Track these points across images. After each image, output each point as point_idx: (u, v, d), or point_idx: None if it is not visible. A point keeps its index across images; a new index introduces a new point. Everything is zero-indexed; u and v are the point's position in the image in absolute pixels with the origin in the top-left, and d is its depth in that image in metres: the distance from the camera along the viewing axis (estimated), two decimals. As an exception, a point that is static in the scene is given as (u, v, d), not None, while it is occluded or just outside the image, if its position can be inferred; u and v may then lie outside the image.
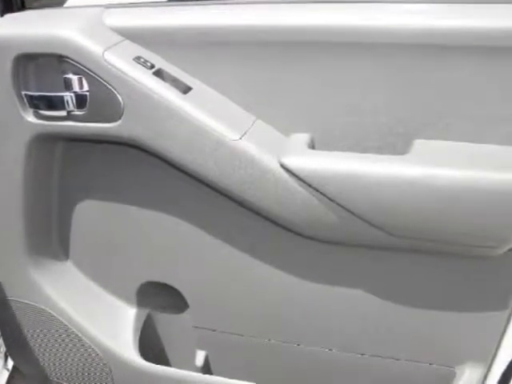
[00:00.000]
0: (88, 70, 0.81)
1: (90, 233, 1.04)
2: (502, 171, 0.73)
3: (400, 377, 0.99)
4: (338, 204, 0.79)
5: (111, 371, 1.09)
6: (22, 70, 0.85)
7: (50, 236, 1.05)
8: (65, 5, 1.04)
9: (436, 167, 0.75)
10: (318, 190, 0.79)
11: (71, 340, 1.09)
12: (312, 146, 0.86)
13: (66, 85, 0.83)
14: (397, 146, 0.83)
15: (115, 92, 0.81)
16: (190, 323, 1.08)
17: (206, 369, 1.12)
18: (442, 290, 0.89)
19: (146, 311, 1.12)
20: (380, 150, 0.84)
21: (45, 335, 1.10)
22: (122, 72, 0.80)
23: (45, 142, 0.92)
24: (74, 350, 1.10)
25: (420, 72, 0.78)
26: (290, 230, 0.87)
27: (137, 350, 1.07)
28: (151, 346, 1.14)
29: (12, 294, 1.08)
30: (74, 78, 0.82)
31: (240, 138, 0.81)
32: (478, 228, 0.76)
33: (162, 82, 0.82)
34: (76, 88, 0.83)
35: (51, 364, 1.15)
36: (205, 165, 0.82)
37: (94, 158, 0.97)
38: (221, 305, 1.03)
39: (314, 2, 0.81)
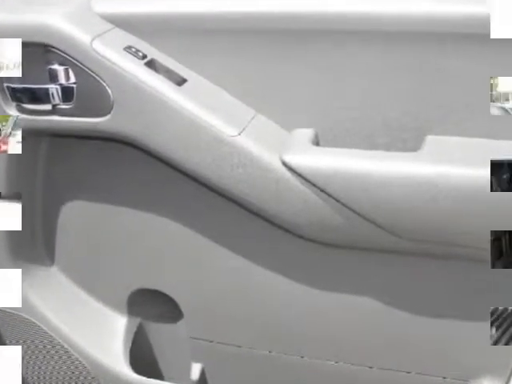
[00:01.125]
0: (75, 60, 0.78)
1: (77, 236, 1.01)
2: None
3: None
4: (344, 204, 0.76)
5: None
6: None
7: (34, 239, 1.02)
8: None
9: (449, 165, 0.72)
10: (322, 190, 0.76)
11: (57, 352, 1.05)
12: (316, 142, 0.82)
13: (51, 76, 0.80)
14: (407, 142, 0.80)
15: (104, 84, 0.78)
16: (184, 333, 1.04)
17: (202, 382, 1.08)
18: (455, 297, 0.85)
19: (137, 320, 1.08)
20: (389, 146, 0.81)
21: (28, 347, 1.06)
22: (112, 62, 0.77)
23: (29, 138, 0.88)
24: (60, 362, 1.06)
25: (429, 63, 0.75)
26: (291, 232, 0.85)
27: (128, 363, 1.03)
28: (143, 358, 1.11)
29: None
30: (60, 69, 0.79)
31: (239, 134, 0.78)
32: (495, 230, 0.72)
33: (155, 74, 0.79)
34: (62, 80, 0.80)
35: (35, 378, 1.11)
36: (201, 163, 0.80)
37: (81, 155, 0.94)
38: (217, 314, 0.99)
39: None
